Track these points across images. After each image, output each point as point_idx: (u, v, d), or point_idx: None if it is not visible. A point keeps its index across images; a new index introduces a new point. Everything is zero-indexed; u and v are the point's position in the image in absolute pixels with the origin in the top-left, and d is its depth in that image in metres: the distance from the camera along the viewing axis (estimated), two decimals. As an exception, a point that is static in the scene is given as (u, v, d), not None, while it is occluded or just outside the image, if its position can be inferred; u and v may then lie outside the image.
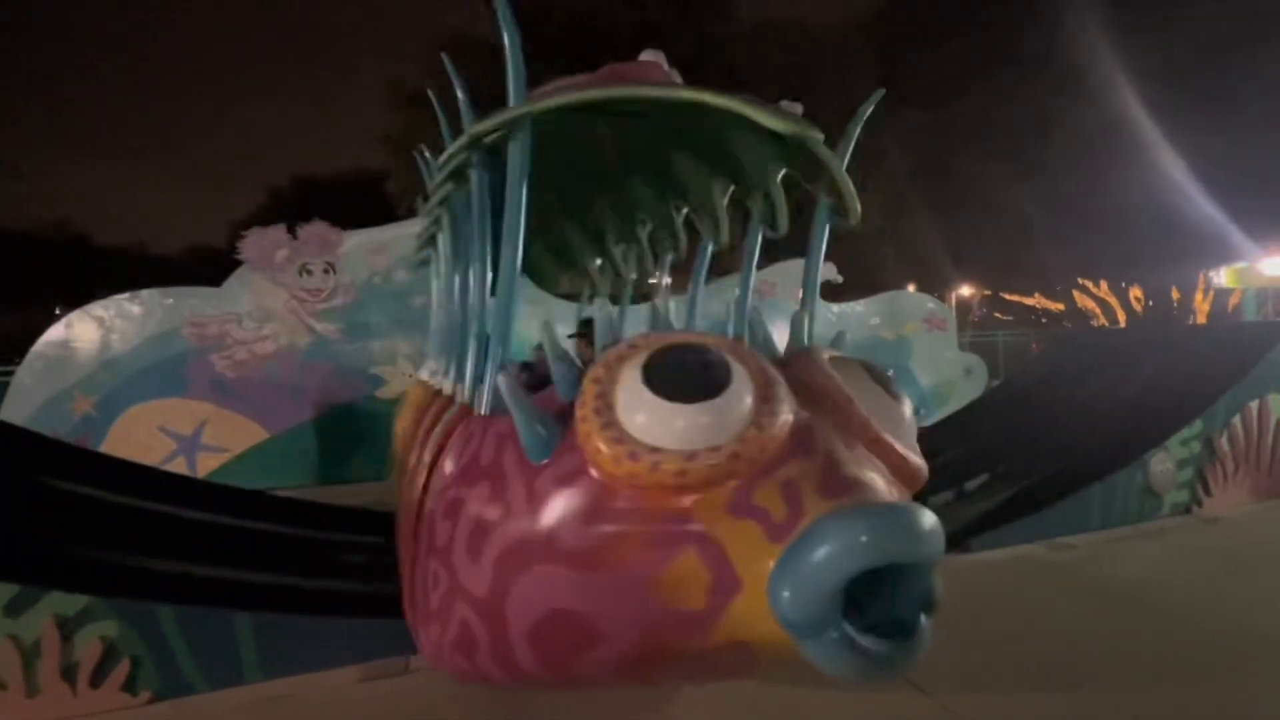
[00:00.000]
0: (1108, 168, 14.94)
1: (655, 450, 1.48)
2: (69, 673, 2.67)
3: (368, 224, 8.64)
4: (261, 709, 2.78)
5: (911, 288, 15.49)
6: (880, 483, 1.57)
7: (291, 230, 8.02)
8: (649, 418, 1.51)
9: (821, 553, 1.31)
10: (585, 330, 3.99)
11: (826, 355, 2.03)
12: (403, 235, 8.66)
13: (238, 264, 7.88)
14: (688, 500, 1.49)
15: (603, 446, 1.51)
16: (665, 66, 2.64)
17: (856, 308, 10.61)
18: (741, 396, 1.55)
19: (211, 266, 9.58)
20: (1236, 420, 5.48)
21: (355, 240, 8.38)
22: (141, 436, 7.19)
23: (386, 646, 3.14)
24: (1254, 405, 5.55)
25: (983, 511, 5.12)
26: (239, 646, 2.93)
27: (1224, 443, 5.42)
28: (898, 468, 1.74)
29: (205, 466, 7.47)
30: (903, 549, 1.34)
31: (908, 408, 2.01)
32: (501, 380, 1.85)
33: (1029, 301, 28.28)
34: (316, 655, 3.06)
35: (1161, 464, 5.19)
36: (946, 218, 17.14)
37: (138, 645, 2.77)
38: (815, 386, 1.81)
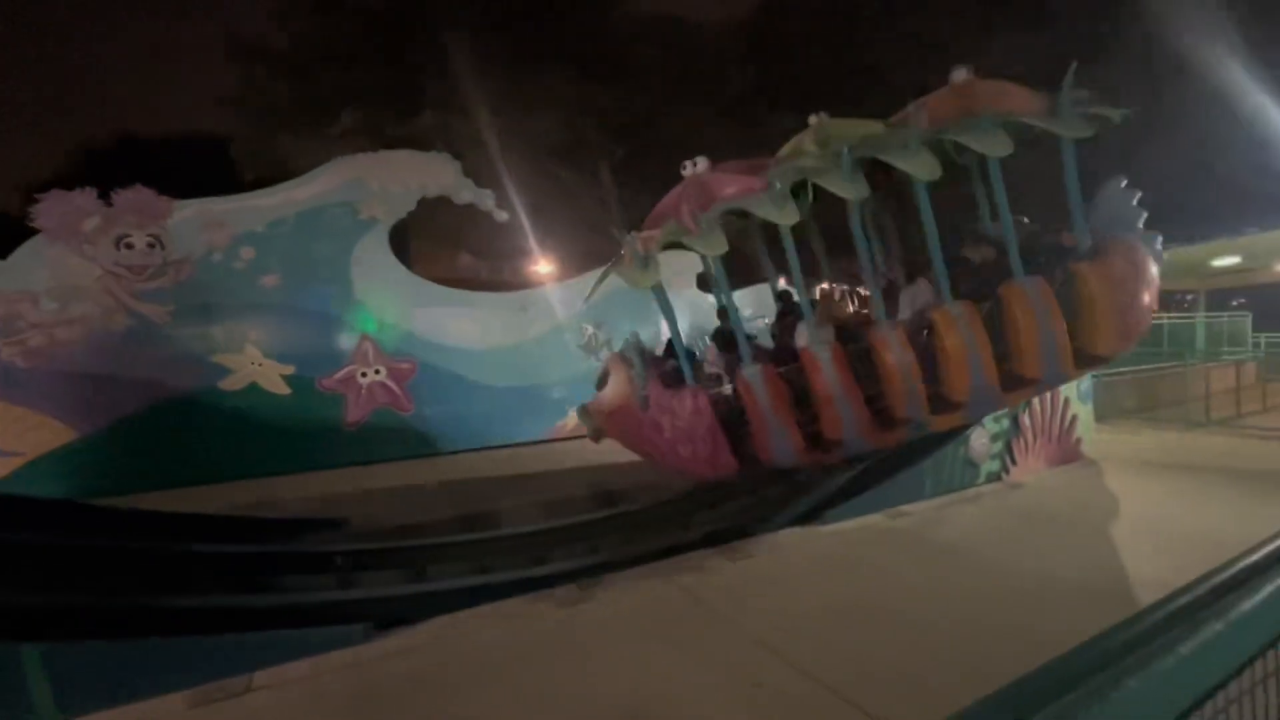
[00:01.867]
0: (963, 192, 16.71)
1: None
2: None
3: (207, 193, 7.62)
4: (61, 752, 2.39)
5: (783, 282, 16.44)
6: None
7: (105, 196, 6.88)
8: None
9: None
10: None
11: None
12: (249, 208, 7.75)
13: (31, 233, 6.63)
14: None
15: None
16: None
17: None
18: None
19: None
20: (1035, 399, 6.43)
21: (189, 210, 7.36)
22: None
23: (225, 664, 2.82)
24: (1048, 387, 6.55)
25: (835, 487, 5.59)
26: (27, 683, 2.48)
27: (1026, 419, 6.35)
28: None
29: (-11, 473, 6.27)
30: None
31: None
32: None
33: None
34: (131, 684, 2.67)
35: (980, 439, 5.98)
36: (817, 214, 18.42)
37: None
38: None
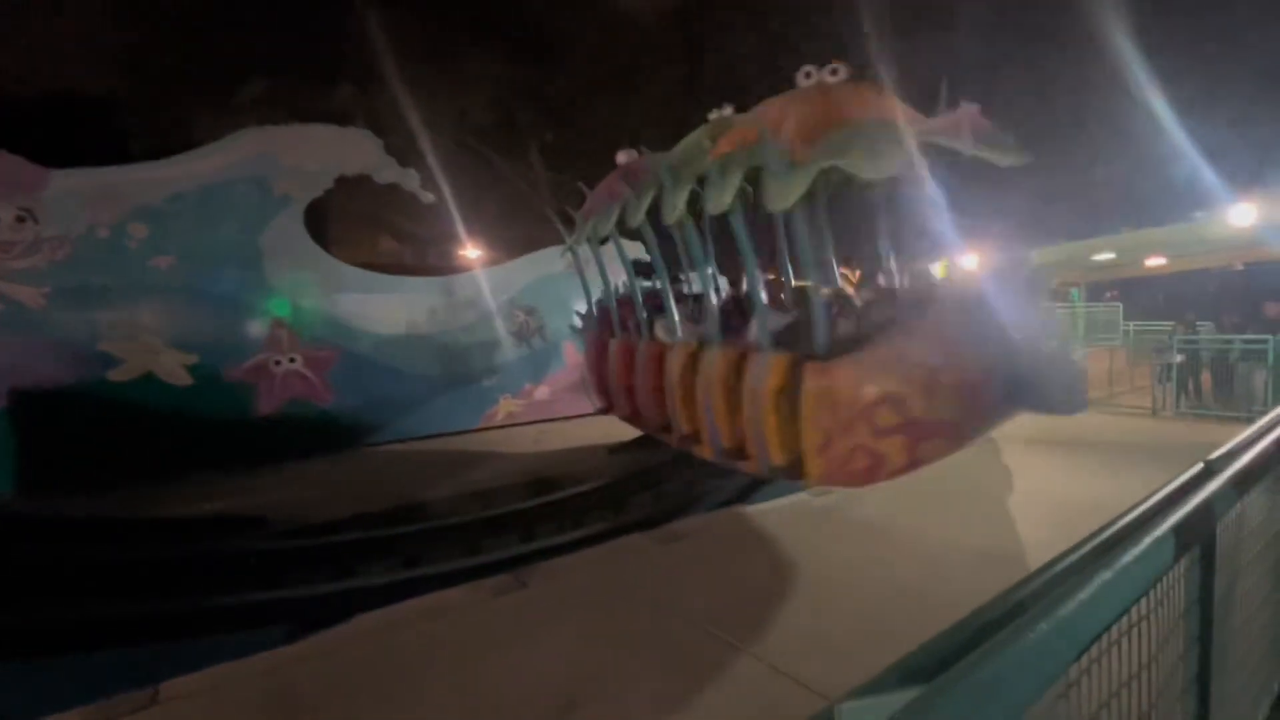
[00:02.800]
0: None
1: None
2: None
3: (88, 162, 6.86)
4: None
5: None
6: None
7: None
8: None
9: None
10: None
11: None
12: (140, 180, 7.06)
13: None
14: None
15: None
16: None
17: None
18: None
19: None
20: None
21: (68, 182, 6.61)
22: None
23: (130, 676, 2.62)
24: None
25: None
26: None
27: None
28: None
29: None
30: None
31: None
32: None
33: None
34: (27, 704, 2.43)
35: (895, 420, 6.37)
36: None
37: None
38: None
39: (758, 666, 2.82)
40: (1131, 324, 15.56)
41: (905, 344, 3.08)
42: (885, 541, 4.36)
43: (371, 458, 8.10)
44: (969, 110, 2.99)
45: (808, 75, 3.38)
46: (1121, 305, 16.19)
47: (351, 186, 8.73)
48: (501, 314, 10.01)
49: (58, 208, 6.59)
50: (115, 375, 6.94)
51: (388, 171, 8.70)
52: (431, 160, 13.23)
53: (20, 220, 6.33)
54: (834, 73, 3.32)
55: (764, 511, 5.07)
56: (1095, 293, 19.36)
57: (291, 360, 8.00)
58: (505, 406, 10.35)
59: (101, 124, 14.93)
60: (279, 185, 7.81)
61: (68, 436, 6.52)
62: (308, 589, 4.08)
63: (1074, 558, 1.12)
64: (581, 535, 4.87)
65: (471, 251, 16.83)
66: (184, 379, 7.28)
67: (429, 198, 9.18)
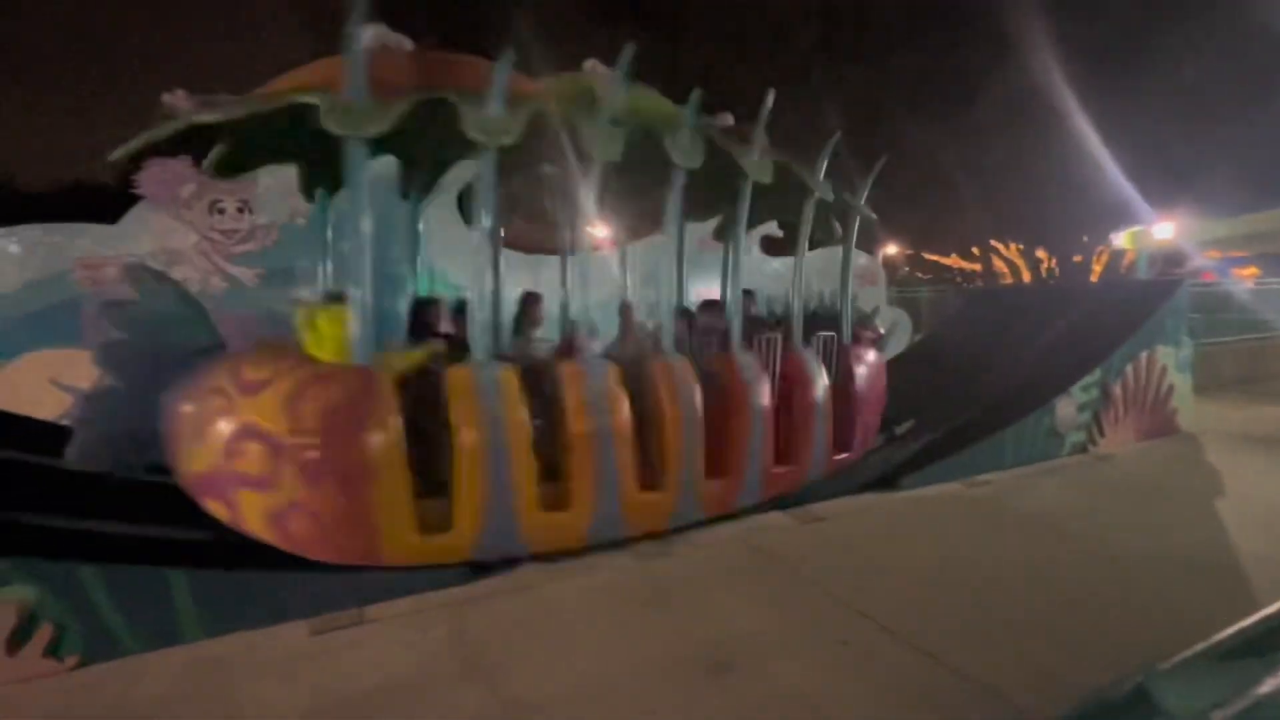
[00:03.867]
0: (1027, 135, 15.79)
1: None
2: (-20, 641, 2.44)
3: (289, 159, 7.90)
4: (202, 668, 2.66)
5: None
6: None
7: (198, 162, 7.25)
8: None
9: None
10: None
11: None
12: (328, 173, 8.02)
13: (134, 200, 7.07)
14: None
15: None
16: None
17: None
18: None
19: (99, 202, 8.53)
20: (1129, 369, 6.07)
21: (271, 177, 7.67)
22: (30, 389, 6.49)
23: (341, 598, 3.06)
24: (1144, 355, 6.16)
25: (910, 453, 5.48)
26: (174, 605, 2.77)
27: (1118, 389, 6.00)
28: None
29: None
30: None
31: None
32: None
33: (946, 261, 29.91)
34: (262, 610, 2.94)
35: (1066, 408, 5.71)
36: (878, 177, 17.69)
37: (59, 609, 2.56)
38: None
39: (913, 653, 2.70)
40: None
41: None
42: (1060, 540, 3.95)
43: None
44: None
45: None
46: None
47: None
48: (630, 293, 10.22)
49: (265, 200, 7.66)
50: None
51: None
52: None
53: (240, 211, 7.45)
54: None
55: (911, 498, 4.79)
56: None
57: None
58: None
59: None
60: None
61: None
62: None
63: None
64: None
65: (601, 231, 17.26)
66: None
67: (560, 177, 9.52)
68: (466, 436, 3.17)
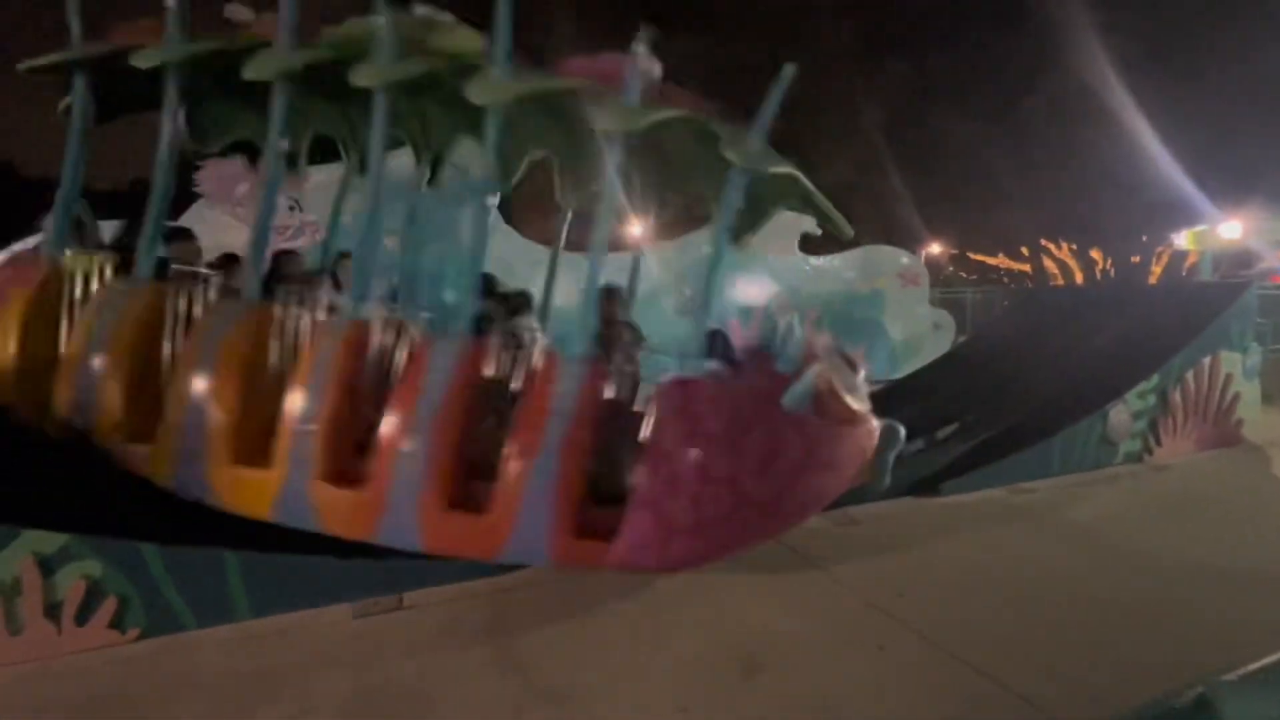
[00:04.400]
0: (1078, 132, 15.15)
1: None
2: (53, 611, 2.60)
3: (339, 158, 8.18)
4: (251, 645, 2.78)
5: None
6: None
7: (253, 162, 7.55)
8: None
9: None
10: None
11: None
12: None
13: (193, 198, 7.42)
14: None
15: None
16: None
17: (833, 261, 10.68)
18: None
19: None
20: (1190, 375, 5.78)
21: (319, 176, 7.95)
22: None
23: (381, 584, 3.15)
24: (1206, 361, 5.86)
25: (952, 458, 5.33)
26: (228, 584, 2.90)
27: (1177, 396, 5.72)
28: None
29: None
30: None
31: None
32: None
33: (993, 261, 28.96)
34: (308, 593, 3.05)
35: (1120, 415, 5.47)
36: (920, 175, 17.25)
37: (123, 583, 2.71)
38: None
39: (953, 663, 2.64)
40: None
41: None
42: (1108, 551, 3.80)
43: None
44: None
45: None
46: None
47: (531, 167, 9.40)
48: (668, 291, 10.22)
49: (313, 198, 7.93)
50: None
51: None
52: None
53: (290, 209, 7.74)
54: None
55: (952, 504, 4.67)
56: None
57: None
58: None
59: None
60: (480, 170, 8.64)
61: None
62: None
63: None
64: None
65: (638, 229, 17.32)
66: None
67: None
68: None
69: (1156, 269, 22.00)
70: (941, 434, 5.85)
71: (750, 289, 10.54)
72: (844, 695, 2.42)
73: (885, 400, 7.63)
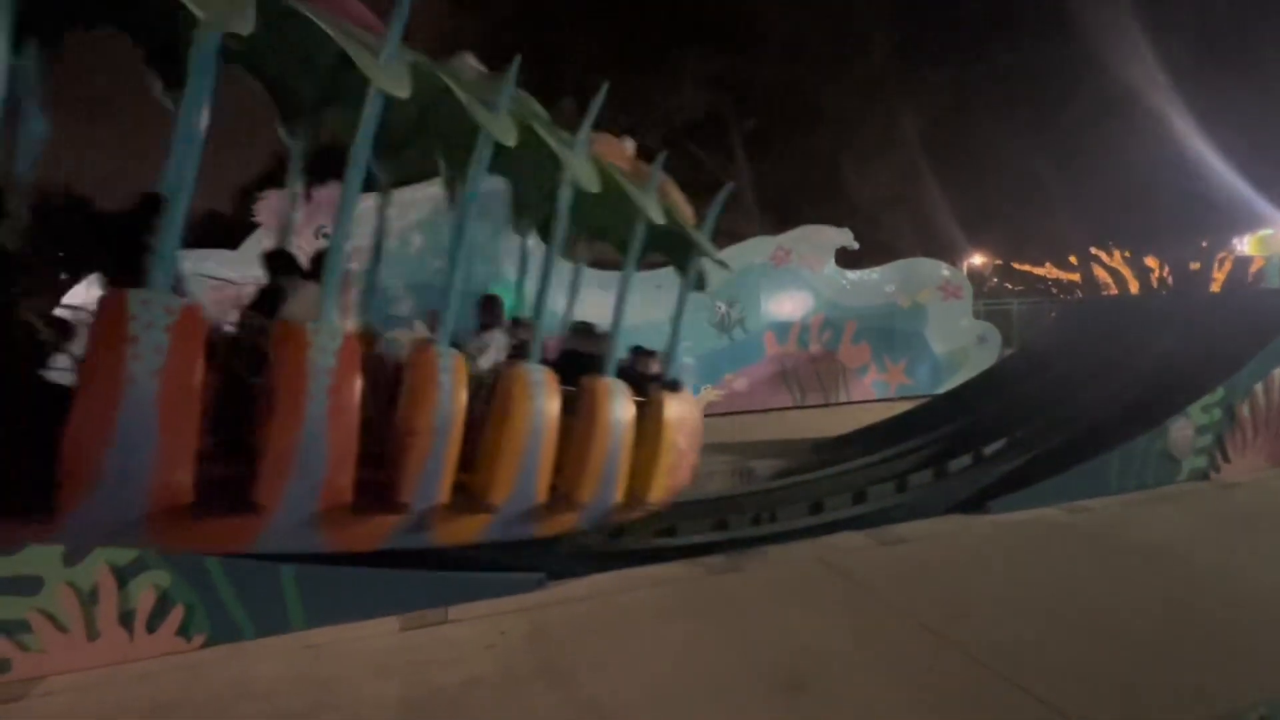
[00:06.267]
0: (1127, 136, 14.61)
1: None
2: (126, 618, 2.76)
3: (371, 187, 8.57)
4: (304, 654, 2.88)
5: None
6: None
7: (307, 193, 7.94)
8: None
9: None
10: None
11: None
12: (419, 198, 8.57)
13: (251, 228, 7.83)
14: None
15: None
16: None
17: (872, 275, 10.54)
18: None
19: (219, 231, 9.50)
20: (1259, 388, 5.47)
21: (370, 202, 8.31)
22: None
23: (427, 597, 3.24)
24: (1277, 373, 5.54)
25: (1001, 475, 5.17)
26: (284, 596, 3.02)
27: (1245, 410, 5.42)
28: None
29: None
30: None
31: None
32: None
33: (1039, 271, 27.99)
34: (358, 605, 3.15)
35: (1182, 430, 5.21)
36: (962, 185, 16.84)
37: (189, 593, 2.86)
38: None
39: (1004, 685, 2.55)
40: None
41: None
42: (1169, 573, 3.61)
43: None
44: None
45: None
46: None
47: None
48: (704, 305, 10.24)
49: (362, 224, 8.27)
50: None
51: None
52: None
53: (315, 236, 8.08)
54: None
55: (1002, 523, 4.51)
56: None
57: (523, 348, 9.13)
58: (706, 395, 10.61)
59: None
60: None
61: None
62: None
63: None
64: (791, 527, 4.80)
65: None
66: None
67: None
68: None
69: (1219, 276, 20.91)
70: (989, 450, 5.66)
71: (786, 303, 10.47)
72: (890, 717, 2.36)
73: (929, 414, 7.47)
